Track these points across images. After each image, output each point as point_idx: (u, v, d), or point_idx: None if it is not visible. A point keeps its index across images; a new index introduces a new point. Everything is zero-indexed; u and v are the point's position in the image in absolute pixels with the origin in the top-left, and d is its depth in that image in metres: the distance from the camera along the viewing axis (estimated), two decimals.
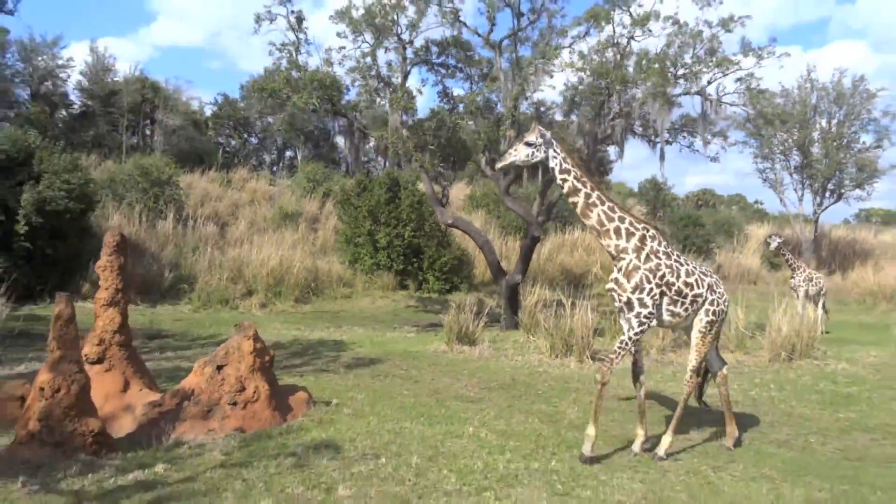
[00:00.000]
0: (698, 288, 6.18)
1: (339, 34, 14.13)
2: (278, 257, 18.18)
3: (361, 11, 13.77)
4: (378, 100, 13.96)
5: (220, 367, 6.58)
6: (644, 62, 11.56)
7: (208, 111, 35.49)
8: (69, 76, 30.64)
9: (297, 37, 13.08)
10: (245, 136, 36.56)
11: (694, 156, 15.11)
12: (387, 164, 21.51)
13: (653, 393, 8.46)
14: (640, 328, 5.94)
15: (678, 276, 6.05)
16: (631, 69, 11.61)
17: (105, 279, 7.02)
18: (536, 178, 21.70)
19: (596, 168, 14.86)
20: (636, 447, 6.26)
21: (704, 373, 6.96)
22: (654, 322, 6.11)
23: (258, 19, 12.77)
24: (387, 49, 14.22)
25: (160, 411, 6.32)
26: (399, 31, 13.82)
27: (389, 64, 14.51)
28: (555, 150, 6.01)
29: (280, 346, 11.93)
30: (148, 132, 32.25)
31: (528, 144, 6.06)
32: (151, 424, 6.19)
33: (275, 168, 35.65)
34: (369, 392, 8.29)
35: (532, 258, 22.47)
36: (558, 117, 13.93)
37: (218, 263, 17.99)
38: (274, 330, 13.78)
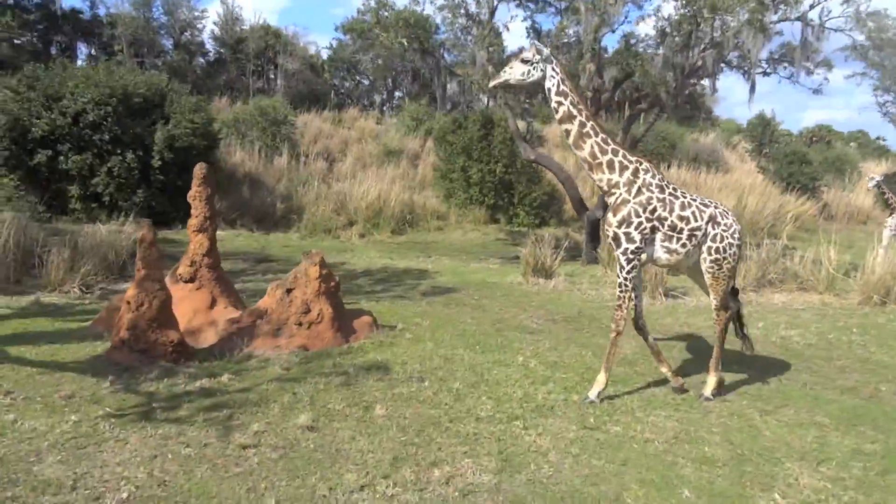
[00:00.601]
0: (696, 221, 5.41)
1: None
2: (377, 191, 18.38)
3: None
4: (466, 38, 13.33)
5: (289, 290, 6.71)
6: None
7: (325, 55, 36.01)
8: (204, 27, 31.97)
9: None
10: (357, 77, 36.82)
11: (815, 90, 13.22)
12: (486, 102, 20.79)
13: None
14: (630, 265, 5.35)
15: (671, 210, 5.37)
16: None
17: (195, 208, 7.28)
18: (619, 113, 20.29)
19: (684, 102, 13.47)
20: (675, 384, 5.78)
21: (737, 312, 6.16)
22: (647, 259, 5.53)
23: None
24: None
25: (238, 327, 6.57)
26: None
27: (478, 0, 13.76)
28: (553, 69, 5.35)
29: (368, 273, 12.19)
30: (271, 76, 33.24)
31: (524, 61, 5.37)
32: (229, 338, 6.46)
33: (385, 107, 35.79)
34: (435, 319, 8.23)
35: None
36: (650, 51, 12.67)
37: (324, 196, 18.48)
38: (368, 258, 14.05)
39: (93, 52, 29.66)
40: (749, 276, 11.25)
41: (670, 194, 5.44)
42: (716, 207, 5.62)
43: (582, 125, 5.36)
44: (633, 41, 12.58)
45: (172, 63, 30.05)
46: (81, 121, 14.59)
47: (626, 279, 5.38)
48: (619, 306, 5.45)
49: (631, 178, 5.36)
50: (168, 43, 31.83)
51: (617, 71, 11.41)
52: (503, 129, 20.25)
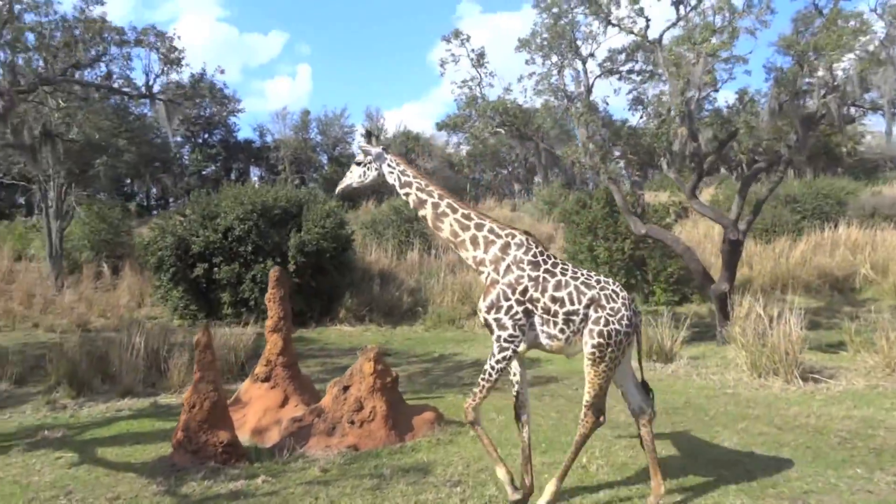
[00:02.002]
0: (572, 304, 4.65)
1: (526, 62, 13.86)
2: None
3: (545, 36, 13.31)
4: (563, 116, 13.24)
5: (345, 388, 6.72)
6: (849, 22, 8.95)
7: (464, 151, 37.86)
8: (353, 139, 35.40)
9: (478, 72, 13.13)
10: (496, 168, 38.01)
11: None
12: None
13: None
14: (501, 354, 4.69)
15: (544, 290, 4.66)
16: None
17: (270, 309, 7.72)
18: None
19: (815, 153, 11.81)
20: (512, 495, 4.81)
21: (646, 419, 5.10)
22: (531, 344, 4.81)
23: (443, 63, 13.16)
24: (568, 66, 13.49)
25: (299, 426, 6.66)
26: (577, 47, 13.00)
27: (576, 79, 13.71)
28: (389, 164, 5.12)
29: (477, 364, 11.90)
30: None
31: (358, 164, 5.22)
32: (290, 437, 6.54)
33: (523, 194, 36.32)
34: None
35: (778, 261, 19.15)
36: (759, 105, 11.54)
37: (449, 287, 18.75)
38: (484, 348, 13.79)
39: (261, 173, 34.06)
40: None
41: (546, 271, 4.74)
42: (602, 288, 4.77)
43: (435, 206, 5.01)
44: (746, 98, 11.59)
45: (326, 175, 33.44)
46: (230, 235, 16.50)
47: (492, 367, 4.72)
48: (475, 394, 4.78)
49: (499, 254, 4.80)
50: (324, 158, 35.56)
51: (715, 131, 10.48)
52: (633, 203, 19.44)
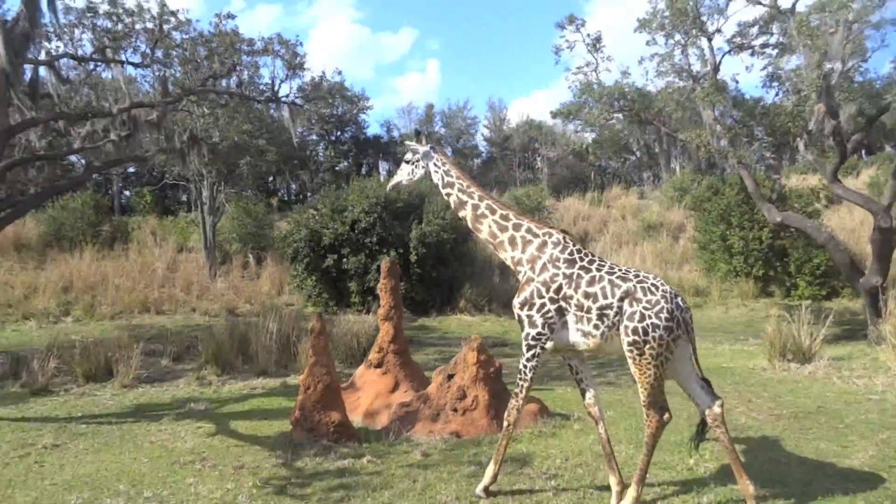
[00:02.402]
0: (605, 298, 4.52)
1: (647, 43, 13.26)
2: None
3: (667, 14, 12.64)
4: (688, 98, 12.50)
5: (450, 376, 6.91)
6: None
7: (589, 139, 36.84)
8: (476, 131, 35.72)
9: (594, 57, 12.73)
10: (623, 155, 36.60)
11: None
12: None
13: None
14: (531, 352, 4.75)
15: (577, 287, 4.61)
16: None
17: (382, 298, 8.09)
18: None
19: None
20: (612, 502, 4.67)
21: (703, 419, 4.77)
22: (563, 345, 4.75)
23: (557, 50, 12.90)
24: (693, 44, 12.71)
25: (406, 411, 6.95)
26: (702, 23, 12.20)
27: (701, 58, 12.89)
28: (435, 164, 5.27)
29: (591, 358, 11.64)
30: (537, 166, 35.16)
31: (407, 162, 5.36)
32: (397, 421, 6.86)
33: (651, 180, 34.72)
34: (625, 409, 7.50)
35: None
36: None
37: None
38: None
39: (389, 167, 35.41)
40: None
41: (581, 268, 4.68)
42: (640, 281, 4.55)
43: (475, 207, 5.10)
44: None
45: None
46: (356, 227, 17.41)
47: (525, 366, 4.80)
48: (516, 395, 4.83)
49: (535, 253, 4.83)
50: (449, 150, 36.23)
51: (860, 106, 9.29)
52: (768, 188, 17.96)
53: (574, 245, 4.88)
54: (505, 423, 4.91)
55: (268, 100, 10.49)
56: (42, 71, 8.19)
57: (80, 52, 8.61)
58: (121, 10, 8.67)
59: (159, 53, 9.62)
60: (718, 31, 12.08)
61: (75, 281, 18.25)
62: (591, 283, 4.61)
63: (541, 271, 4.76)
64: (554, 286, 4.68)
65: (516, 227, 4.97)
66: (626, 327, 4.46)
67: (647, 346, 4.41)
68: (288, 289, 19.59)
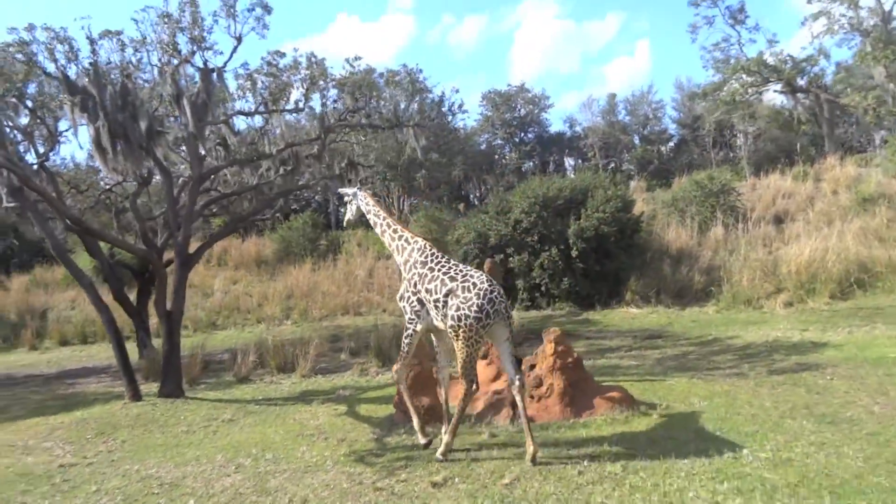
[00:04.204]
0: (437, 293, 5.95)
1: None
2: (810, 250, 15.84)
3: None
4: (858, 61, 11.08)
5: (532, 366, 7.43)
6: None
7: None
8: (664, 114, 34.01)
9: (736, 30, 11.86)
10: (838, 119, 31.76)
11: None
12: None
13: None
14: (406, 332, 6.38)
15: (424, 283, 6.04)
16: None
17: None
18: None
19: None
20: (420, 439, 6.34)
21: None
22: (432, 325, 6.18)
23: (693, 28, 12.25)
24: None
25: (498, 398, 7.62)
26: None
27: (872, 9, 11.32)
28: (361, 199, 7.08)
29: (742, 349, 11.00)
30: (737, 143, 32.22)
31: (347, 203, 7.24)
32: (489, 407, 7.58)
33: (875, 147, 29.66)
34: (724, 401, 7.26)
35: None
36: None
37: (751, 264, 17.02)
38: (768, 330, 12.48)
39: (574, 163, 35.40)
40: None
41: (428, 269, 6.10)
42: (463, 281, 5.79)
43: (381, 226, 6.79)
44: None
45: (637, 154, 33.02)
46: (518, 227, 18.20)
47: (404, 343, 6.41)
48: (399, 360, 6.50)
49: (407, 257, 6.41)
50: (636, 138, 35.09)
51: None
52: None
53: (431, 251, 6.30)
54: (396, 383, 6.72)
55: (391, 126, 11.88)
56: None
57: (247, 109, 10.93)
58: (276, 70, 10.73)
59: (313, 99, 11.58)
60: None
61: (295, 290, 21.86)
62: (430, 281, 6.01)
63: (409, 271, 6.30)
64: (414, 282, 6.18)
65: (401, 239, 6.56)
66: (447, 315, 5.81)
67: (462, 331, 5.69)
68: None
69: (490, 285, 5.81)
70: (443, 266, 6.09)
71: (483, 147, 34.91)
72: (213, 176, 11.10)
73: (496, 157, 35.59)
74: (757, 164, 29.66)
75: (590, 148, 33.47)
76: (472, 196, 34.70)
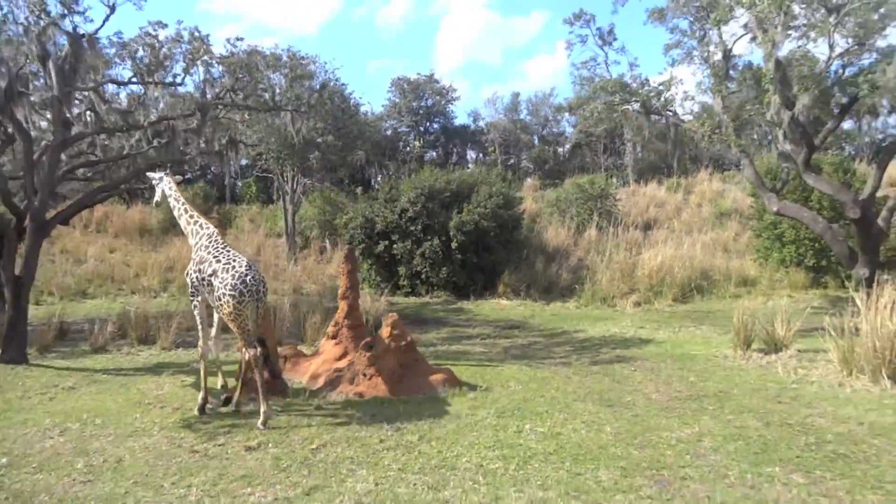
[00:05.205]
0: (205, 273, 6.75)
1: (669, 30, 13.27)
2: (660, 257, 17.55)
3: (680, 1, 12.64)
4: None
5: (370, 347, 8.08)
6: None
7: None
8: (563, 117, 35.71)
9: (604, 51, 12.97)
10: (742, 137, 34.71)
11: None
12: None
13: None
14: (192, 306, 7.24)
15: (202, 264, 6.83)
16: None
17: (341, 280, 9.39)
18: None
19: None
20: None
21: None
22: (200, 298, 7.07)
23: (569, 45, 13.28)
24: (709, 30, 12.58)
25: (337, 375, 8.22)
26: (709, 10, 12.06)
27: (716, 44, 12.73)
28: (166, 185, 7.89)
29: (580, 342, 12.17)
30: (625, 152, 34.46)
31: (155, 185, 8.08)
32: (329, 383, 8.17)
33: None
34: (538, 385, 8.20)
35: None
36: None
37: (613, 265, 18.59)
38: (611, 327, 13.79)
39: (475, 156, 36.51)
40: None
41: (208, 252, 6.88)
42: (225, 264, 6.62)
43: (180, 212, 7.55)
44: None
45: (534, 154, 34.54)
46: (404, 216, 18.83)
47: (194, 314, 7.28)
48: (200, 337, 7.36)
49: (197, 241, 7.20)
50: (536, 138, 36.63)
51: (810, 98, 8.84)
52: (829, 172, 16.92)
53: (216, 238, 6.94)
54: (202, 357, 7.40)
55: (267, 109, 12.13)
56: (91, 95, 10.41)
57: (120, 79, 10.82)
58: (155, 41, 10.68)
59: (195, 74, 11.59)
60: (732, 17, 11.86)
61: (176, 262, 21.37)
62: (205, 262, 6.82)
63: (196, 252, 7.12)
64: (196, 263, 6.98)
65: (195, 224, 7.36)
66: (212, 294, 6.67)
67: (223, 307, 6.54)
68: None
69: (247, 270, 6.59)
70: (219, 251, 6.86)
71: (388, 133, 35.21)
72: (86, 141, 10.88)
73: (400, 144, 36.03)
74: (640, 172, 31.95)
75: (491, 143, 34.61)
76: (373, 181, 34.96)
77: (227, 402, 7.33)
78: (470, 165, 35.42)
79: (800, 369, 8.64)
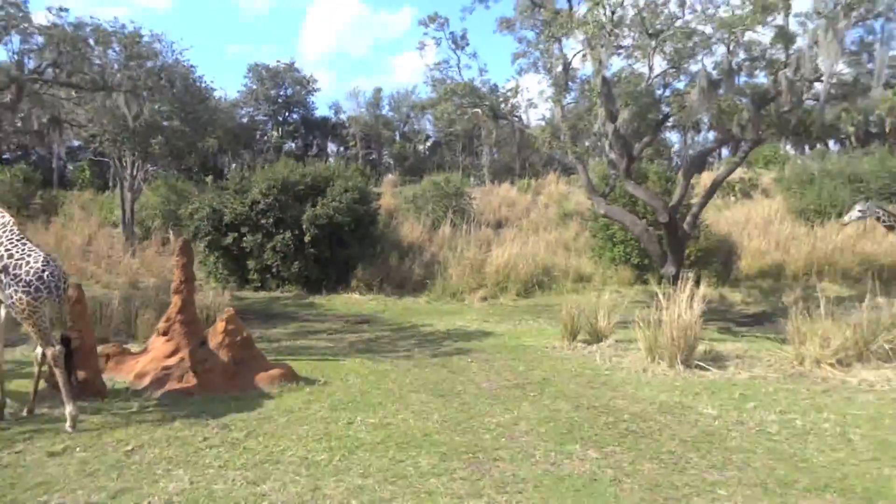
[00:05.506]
0: None
1: (517, 39, 13.95)
2: (507, 254, 18.55)
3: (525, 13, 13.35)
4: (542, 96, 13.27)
5: (202, 343, 7.78)
6: None
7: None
8: (424, 114, 36.32)
9: (456, 54, 13.46)
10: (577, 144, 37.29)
11: None
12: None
13: None
14: None
15: None
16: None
17: (175, 274, 8.92)
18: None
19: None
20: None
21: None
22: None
23: (422, 46, 13.62)
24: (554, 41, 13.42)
25: (165, 373, 7.82)
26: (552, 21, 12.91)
27: (557, 56, 13.61)
28: None
29: (426, 335, 12.54)
30: (482, 152, 35.87)
31: None
32: (156, 381, 7.74)
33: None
34: (376, 377, 8.37)
35: (816, 246, 17.64)
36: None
37: (464, 261, 19.29)
38: (458, 321, 14.32)
39: (336, 149, 36.11)
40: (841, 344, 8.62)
41: (6, 249, 6.24)
42: (17, 260, 6.14)
43: None
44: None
45: (395, 151, 34.81)
46: (255, 208, 18.20)
47: None
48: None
49: None
50: (397, 134, 36.93)
51: (630, 113, 10.07)
52: (654, 181, 18.83)
53: (11, 228, 6.46)
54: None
55: (96, 88, 11.21)
56: None
57: None
58: None
59: (7, 42, 10.35)
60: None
61: None
62: None
63: None
64: None
65: None
66: (4, 291, 6.17)
67: (17, 305, 6.07)
68: (196, 265, 20.38)
69: (45, 265, 6.17)
70: (13, 244, 6.33)
71: (245, 121, 33.77)
72: None
73: (258, 133, 34.72)
74: (496, 173, 33.41)
75: (352, 137, 34.41)
76: (226, 170, 33.32)
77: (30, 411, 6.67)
78: (331, 158, 34.97)
79: (614, 357, 9.58)
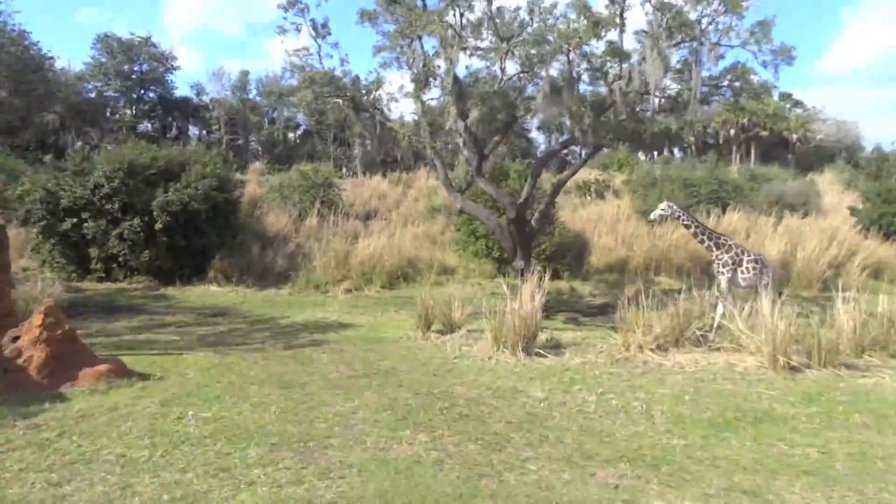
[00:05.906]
0: None
1: (379, 33, 13.92)
2: (372, 246, 18.64)
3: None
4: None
5: (15, 338, 7.13)
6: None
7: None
8: (292, 101, 35.37)
9: (317, 42, 13.25)
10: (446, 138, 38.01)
11: None
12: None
13: None
14: None
15: None
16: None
17: None
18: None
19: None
20: None
21: None
22: None
23: (282, 31, 13.26)
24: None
25: None
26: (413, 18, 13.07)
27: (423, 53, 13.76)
28: None
29: (287, 327, 12.30)
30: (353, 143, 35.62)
31: None
32: None
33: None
34: (219, 371, 8.12)
35: (655, 244, 19.43)
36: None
37: (330, 252, 19.10)
38: (318, 313, 14.16)
39: (196, 131, 34.20)
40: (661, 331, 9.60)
41: None
42: None
43: None
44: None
45: (263, 137, 33.58)
46: (98, 192, 16.82)
47: None
48: None
49: None
50: (266, 120, 35.61)
51: (479, 112, 10.66)
52: (514, 178, 19.69)
53: None
54: None
55: None
56: None
57: None
58: None
59: None
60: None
61: None
62: None
63: None
64: None
65: None
66: None
67: None
68: (29, 253, 18.52)
69: None
70: None
71: (92, 96, 31.04)
72: None
73: (108, 110, 32.06)
74: (368, 165, 33.31)
75: (216, 120, 32.76)
76: (69, 149, 30.43)
77: None
78: (193, 142, 33.06)
79: (464, 347, 9.98)
